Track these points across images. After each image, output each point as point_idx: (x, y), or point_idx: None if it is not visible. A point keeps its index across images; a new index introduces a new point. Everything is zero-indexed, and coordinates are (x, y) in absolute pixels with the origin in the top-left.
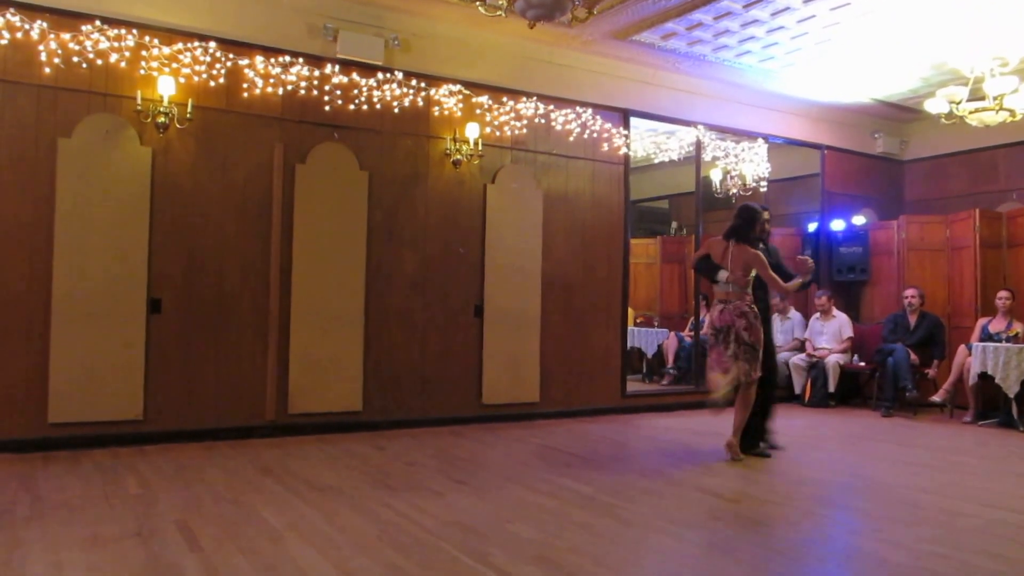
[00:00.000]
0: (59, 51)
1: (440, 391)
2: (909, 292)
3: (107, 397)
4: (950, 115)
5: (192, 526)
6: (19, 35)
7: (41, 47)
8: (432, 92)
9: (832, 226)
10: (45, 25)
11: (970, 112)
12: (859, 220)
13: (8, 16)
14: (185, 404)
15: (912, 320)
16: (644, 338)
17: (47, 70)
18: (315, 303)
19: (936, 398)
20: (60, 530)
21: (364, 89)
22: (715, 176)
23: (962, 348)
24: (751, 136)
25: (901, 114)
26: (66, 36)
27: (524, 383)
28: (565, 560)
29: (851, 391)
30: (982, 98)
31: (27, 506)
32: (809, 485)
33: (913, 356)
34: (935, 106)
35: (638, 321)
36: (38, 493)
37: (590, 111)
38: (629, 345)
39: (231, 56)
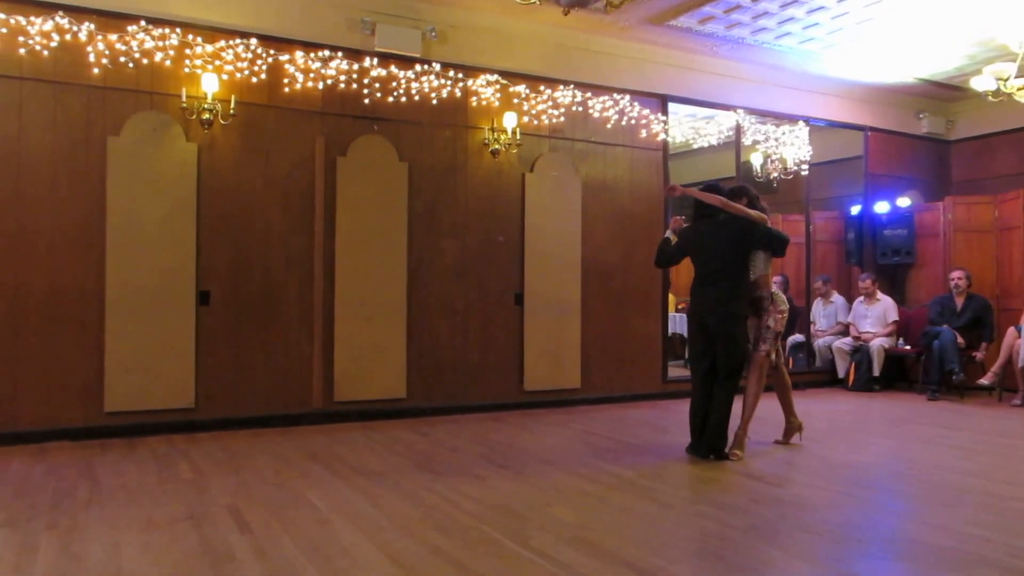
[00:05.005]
0: (106, 52)
1: (482, 378)
2: (956, 274)
3: (160, 387)
4: (997, 92)
5: (242, 510)
6: (68, 37)
7: (89, 48)
8: (469, 83)
9: (876, 209)
10: (92, 27)
11: (1018, 88)
12: (904, 202)
13: (57, 19)
14: (234, 393)
15: (959, 302)
16: (685, 324)
17: (95, 70)
18: (358, 293)
19: (984, 381)
20: (117, 513)
21: (402, 81)
22: (755, 160)
23: (1011, 330)
24: (792, 119)
25: (946, 93)
26: (113, 37)
27: (565, 369)
28: (605, 542)
29: (896, 375)
30: None
31: (86, 491)
32: (852, 468)
33: (960, 339)
34: (982, 83)
35: (679, 307)
36: (96, 479)
37: (628, 98)
38: (670, 331)
39: (272, 52)
